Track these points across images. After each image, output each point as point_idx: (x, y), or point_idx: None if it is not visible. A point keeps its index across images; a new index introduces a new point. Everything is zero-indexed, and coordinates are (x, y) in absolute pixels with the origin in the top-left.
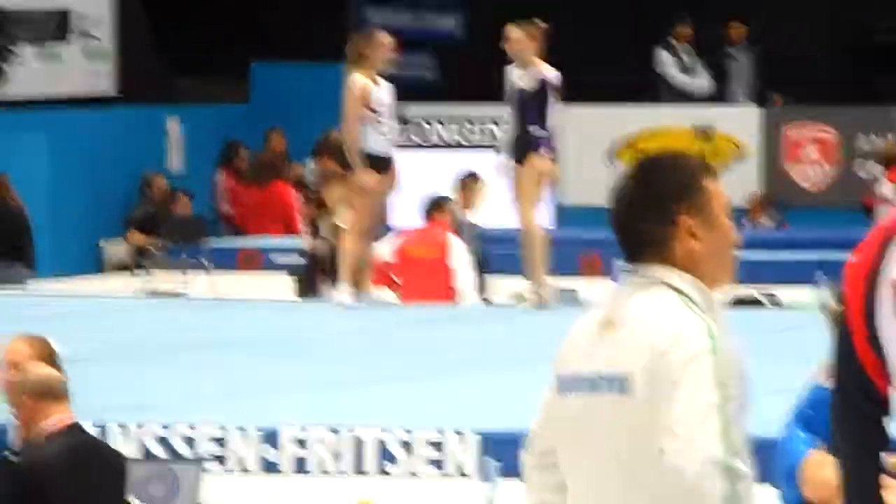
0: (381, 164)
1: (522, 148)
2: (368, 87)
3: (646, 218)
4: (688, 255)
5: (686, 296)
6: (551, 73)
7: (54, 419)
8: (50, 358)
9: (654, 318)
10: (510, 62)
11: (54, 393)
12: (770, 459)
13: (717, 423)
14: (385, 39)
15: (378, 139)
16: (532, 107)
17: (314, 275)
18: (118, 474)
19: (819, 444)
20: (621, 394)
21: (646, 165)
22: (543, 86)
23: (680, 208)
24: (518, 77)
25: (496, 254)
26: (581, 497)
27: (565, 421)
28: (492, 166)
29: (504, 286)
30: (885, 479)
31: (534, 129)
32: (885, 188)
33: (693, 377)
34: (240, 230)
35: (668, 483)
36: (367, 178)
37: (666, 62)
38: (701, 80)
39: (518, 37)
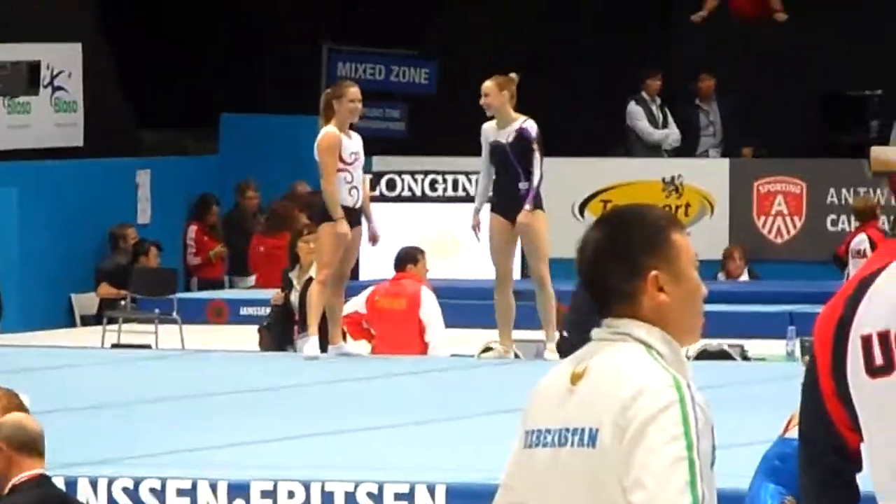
0: (350, 216)
1: (514, 205)
2: (339, 138)
3: (613, 272)
4: (656, 308)
5: (653, 349)
6: (530, 125)
7: (27, 471)
8: (19, 411)
9: (621, 371)
10: (481, 115)
11: (34, 445)
12: None
13: (685, 476)
14: (351, 92)
15: (346, 191)
16: (517, 161)
17: (284, 327)
18: None
19: (787, 497)
20: (589, 447)
21: (612, 218)
22: (525, 139)
23: (648, 262)
24: (497, 133)
25: (470, 306)
26: None
27: (533, 474)
28: (465, 220)
29: (475, 338)
30: None
31: (523, 185)
32: (856, 241)
33: (660, 431)
34: (208, 283)
35: None
36: (333, 229)
37: (636, 115)
38: (671, 133)
39: (495, 92)
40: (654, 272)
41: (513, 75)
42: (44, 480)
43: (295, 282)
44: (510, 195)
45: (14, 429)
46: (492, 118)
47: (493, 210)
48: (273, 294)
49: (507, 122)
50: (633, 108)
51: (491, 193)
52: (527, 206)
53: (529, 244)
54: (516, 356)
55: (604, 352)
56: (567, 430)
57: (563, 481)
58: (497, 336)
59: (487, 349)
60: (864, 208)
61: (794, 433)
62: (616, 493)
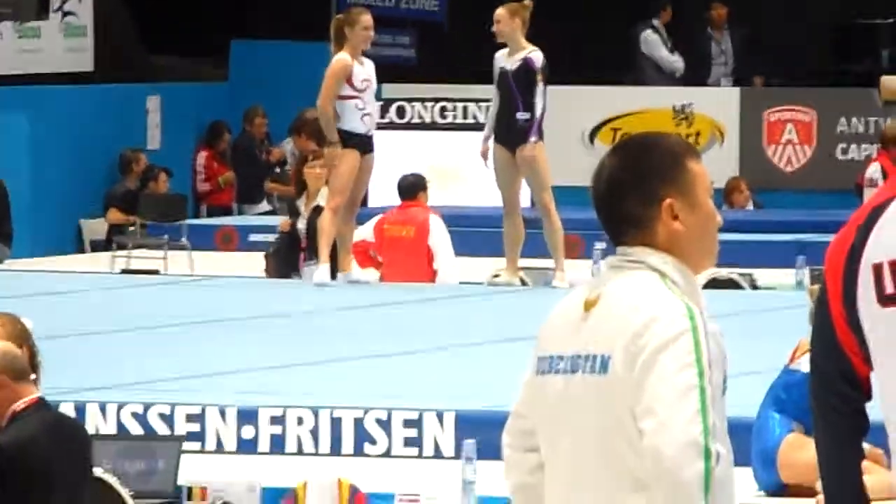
0: (361, 143)
1: (513, 135)
2: (350, 65)
3: (628, 199)
4: (670, 236)
5: (667, 277)
6: (536, 56)
7: (26, 397)
8: (21, 336)
9: (634, 299)
10: (491, 43)
11: (28, 372)
12: (747, 441)
13: (696, 405)
14: (364, 19)
15: (358, 118)
16: (518, 90)
17: (290, 254)
18: (85, 447)
19: (794, 427)
20: (601, 374)
21: (628, 146)
22: (529, 69)
23: (663, 189)
24: (505, 60)
25: (479, 233)
26: (560, 477)
27: (545, 401)
28: (473, 147)
29: (483, 266)
30: (865, 463)
31: (521, 115)
32: (871, 170)
33: (672, 358)
34: (217, 210)
35: (647, 463)
36: (347, 156)
37: (655, 44)
38: (679, 60)
39: (506, 19)
40: (668, 200)
41: (526, 2)
42: (42, 404)
43: (302, 209)
44: (509, 124)
45: (9, 359)
46: (504, 46)
47: (495, 140)
48: (280, 221)
49: (515, 50)
50: (652, 37)
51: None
52: (532, 139)
53: (530, 176)
54: (523, 283)
55: (617, 279)
56: (579, 356)
57: (575, 407)
58: (520, 263)
59: (496, 276)
60: (889, 135)
61: (798, 363)
62: (627, 420)
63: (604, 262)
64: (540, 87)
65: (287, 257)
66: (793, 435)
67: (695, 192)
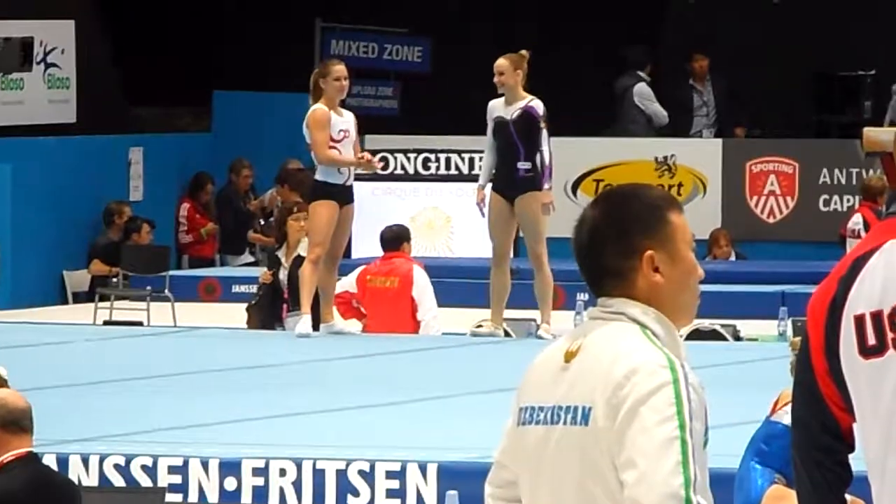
0: (339, 194)
1: (513, 184)
2: (327, 115)
3: (608, 250)
4: (650, 288)
5: (648, 329)
6: (537, 104)
7: (14, 450)
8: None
9: (614, 350)
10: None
11: (20, 423)
12: (728, 492)
13: (677, 457)
14: (336, 69)
15: (335, 169)
16: (519, 139)
17: (273, 305)
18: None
19: (776, 478)
20: (582, 425)
21: (610, 197)
22: (531, 117)
23: (643, 241)
24: (503, 110)
25: (462, 284)
26: None
27: (526, 452)
28: (457, 198)
29: (467, 317)
30: None
31: (522, 165)
32: (853, 221)
33: (653, 410)
34: (199, 261)
35: None
36: (324, 207)
37: (648, 96)
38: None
39: (510, 70)
40: (649, 252)
41: (524, 52)
42: (31, 458)
43: (283, 260)
44: (509, 173)
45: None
46: (499, 95)
47: (493, 189)
48: (261, 273)
49: (514, 100)
50: (644, 90)
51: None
52: (546, 185)
53: (528, 225)
54: (506, 334)
55: (598, 330)
56: (560, 407)
57: (556, 459)
58: (489, 315)
59: (478, 326)
60: (872, 187)
61: (779, 415)
62: (608, 472)
63: (587, 312)
64: (545, 133)
65: (269, 308)
66: (774, 487)
67: (675, 245)
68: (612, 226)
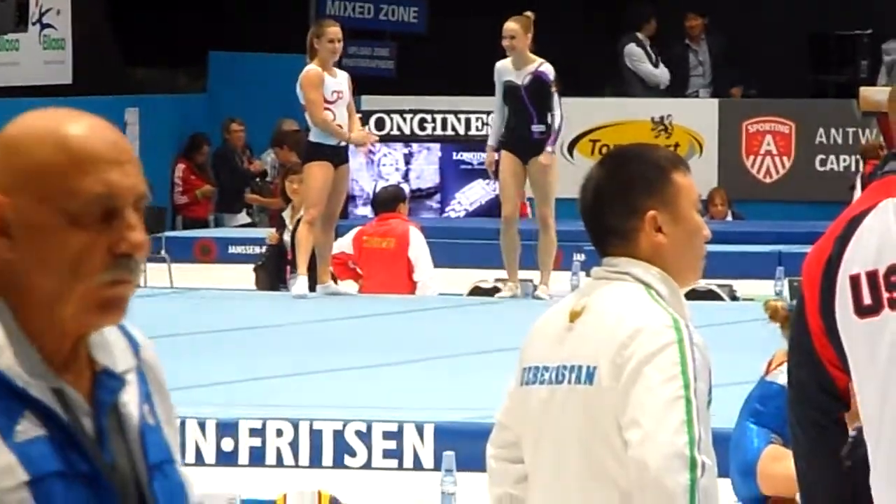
0: (333, 154)
1: (526, 146)
2: (320, 76)
3: (612, 210)
4: (654, 248)
5: (652, 288)
6: (548, 68)
7: None
8: None
9: (619, 310)
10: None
11: None
12: (726, 452)
13: (681, 416)
14: (330, 31)
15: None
16: (531, 104)
17: (277, 266)
18: None
19: (773, 438)
20: (586, 384)
21: (614, 157)
22: (542, 82)
23: (646, 202)
24: (513, 73)
25: (458, 245)
26: (544, 488)
27: (530, 412)
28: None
29: (463, 277)
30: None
31: (536, 128)
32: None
33: (658, 370)
34: (193, 222)
35: (632, 474)
36: (316, 168)
37: (638, 57)
38: (664, 73)
39: (521, 34)
40: (652, 212)
41: (529, 14)
42: None
43: (287, 221)
44: (522, 136)
45: None
46: (501, 57)
47: (504, 148)
48: (267, 233)
49: (524, 63)
50: (634, 50)
51: (503, 131)
52: (548, 149)
53: (540, 187)
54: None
55: (602, 290)
56: (565, 367)
57: (560, 418)
58: (498, 274)
59: (495, 289)
60: (864, 148)
61: (774, 375)
62: (612, 431)
63: (591, 272)
64: (556, 98)
65: (275, 270)
66: (771, 447)
67: (679, 205)
68: (615, 186)
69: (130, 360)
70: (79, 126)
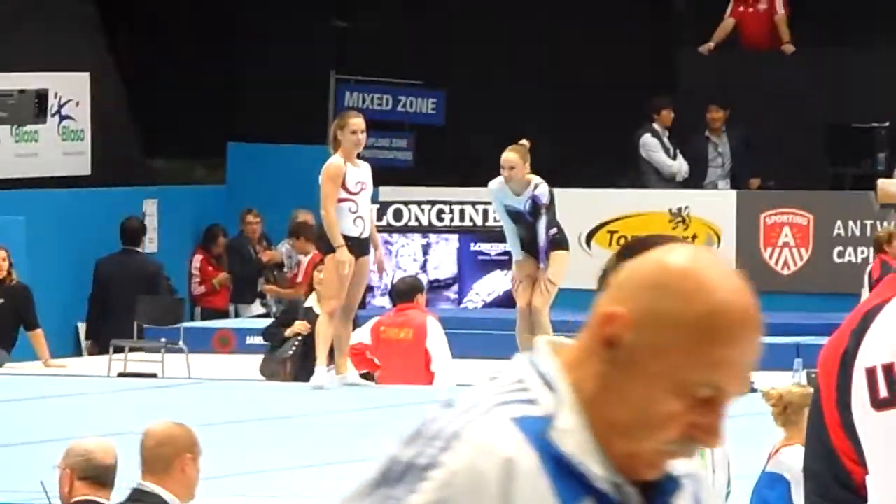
0: (354, 246)
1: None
2: (342, 168)
3: None
4: None
5: None
6: (541, 191)
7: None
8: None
9: None
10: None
11: (100, 480)
12: None
13: None
14: (353, 122)
15: (351, 221)
16: (536, 223)
17: (305, 357)
18: None
19: None
20: None
21: (629, 247)
22: (535, 205)
23: None
24: (513, 198)
25: (476, 336)
26: None
27: None
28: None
29: (480, 368)
30: None
31: (542, 240)
32: (868, 273)
33: None
34: (212, 313)
35: None
36: (339, 257)
37: (652, 147)
38: (683, 164)
39: (520, 164)
40: None
41: (525, 142)
42: None
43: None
44: (535, 243)
45: (78, 458)
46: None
47: (523, 255)
48: (298, 325)
49: (523, 188)
50: (649, 140)
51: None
52: (541, 266)
53: (541, 279)
54: None
55: None
56: None
57: None
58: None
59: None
60: (878, 238)
61: (771, 464)
62: None
63: None
64: (544, 219)
65: (301, 360)
66: None
67: None
68: None
69: (686, 466)
70: (736, 290)
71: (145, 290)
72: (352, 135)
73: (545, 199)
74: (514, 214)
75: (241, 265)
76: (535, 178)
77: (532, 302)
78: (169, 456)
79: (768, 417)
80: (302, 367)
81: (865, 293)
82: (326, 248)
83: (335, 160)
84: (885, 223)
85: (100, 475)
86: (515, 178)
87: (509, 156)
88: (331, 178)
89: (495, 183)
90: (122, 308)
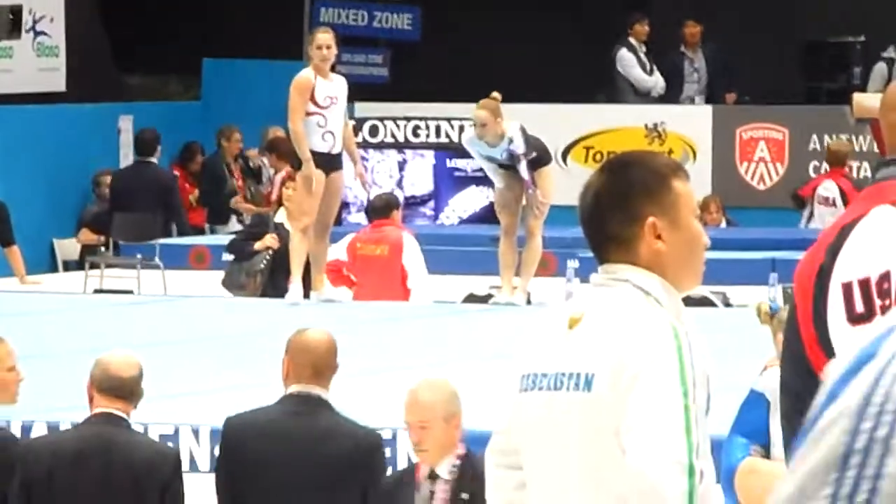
0: (324, 161)
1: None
2: (311, 82)
3: (612, 216)
4: (653, 255)
5: (651, 295)
6: (517, 143)
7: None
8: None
9: (618, 317)
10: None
11: (117, 392)
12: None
13: (680, 424)
14: (319, 38)
15: (319, 136)
16: (519, 166)
17: (274, 273)
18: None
19: (753, 447)
20: (585, 391)
21: (615, 164)
22: (513, 156)
23: (646, 208)
24: (488, 149)
25: (452, 252)
26: (543, 495)
27: (528, 419)
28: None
29: (457, 284)
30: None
31: (525, 175)
32: (824, 188)
33: (657, 377)
34: (189, 229)
35: (631, 482)
36: (305, 171)
37: (629, 62)
38: (658, 80)
39: (492, 121)
40: (651, 219)
41: (496, 95)
42: (99, 418)
43: (290, 228)
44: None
45: (97, 371)
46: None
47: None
48: (268, 238)
49: (498, 140)
50: (625, 55)
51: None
52: (529, 191)
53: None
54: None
55: (601, 297)
56: (563, 374)
57: (558, 425)
58: (493, 281)
59: (490, 296)
60: (838, 152)
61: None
62: (610, 438)
63: (590, 278)
64: (524, 163)
65: (270, 276)
66: (748, 459)
67: (678, 212)
68: (615, 193)
69: None
70: None
71: (160, 202)
72: (318, 50)
73: (521, 150)
74: (491, 160)
75: (216, 184)
76: (510, 130)
77: (526, 223)
78: None
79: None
80: (270, 282)
81: (820, 209)
82: (298, 164)
83: (304, 73)
84: (861, 137)
85: (115, 387)
86: (489, 133)
87: (479, 113)
88: (297, 90)
89: (468, 134)
90: (136, 221)
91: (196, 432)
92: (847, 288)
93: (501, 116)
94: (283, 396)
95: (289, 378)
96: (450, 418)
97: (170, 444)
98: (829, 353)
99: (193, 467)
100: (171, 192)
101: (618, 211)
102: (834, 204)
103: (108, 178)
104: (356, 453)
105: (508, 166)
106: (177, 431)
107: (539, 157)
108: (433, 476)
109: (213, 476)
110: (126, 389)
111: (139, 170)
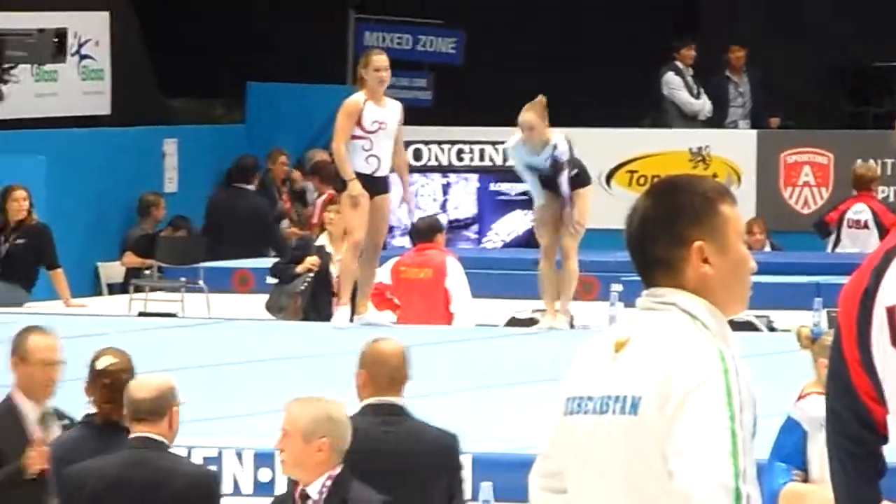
0: (368, 184)
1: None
2: (360, 105)
3: (658, 240)
4: (700, 279)
5: (698, 319)
6: (561, 149)
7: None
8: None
9: (665, 341)
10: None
11: (136, 416)
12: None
13: (727, 447)
14: (375, 60)
15: (363, 158)
16: (560, 177)
17: (321, 296)
18: None
19: (794, 472)
20: (631, 415)
21: (661, 187)
22: (557, 163)
23: (693, 232)
24: (532, 157)
25: (495, 276)
26: None
27: (573, 442)
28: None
29: (500, 308)
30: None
31: (565, 191)
32: (854, 212)
33: (704, 401)
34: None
35: None
36: (350, 191)
37: (675, 85)
38: (706, 103)
39: (540, 124)
40: (698, 242)
41: (542, 98)
42: (136, 442)
43: (333, 252)
44: (557, 190)
45: (125, 396)
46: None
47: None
48: (310, 261)
49: (542, 147)
50: (672, 78)
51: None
52: (566, 210)
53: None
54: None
55: (648, 320)
56: (609, 397)
57: (604, 448)
58: (536, 305)
59: (532, 320)
60: (864, 176)
61: (792, 409)
62: (656, 462)
63: (637, 302)
64: (565, 174)
65: (311, 299)
66: (790, 485)
67: (725, 236)
68: (662, 216)
69: None
70: None
71: (256, 228)
72: (375, 72)
73: (565, 157)
74: (534, 170)
75: (270, 206)
76: (555, 136)
77: (562, 244)
78: None
79: (787, 357)
80: (311, 304)
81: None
82: (341, 187)
83: (354, 96)
84: (859, 162)
85: (132, 410)
86: (535, 139)
87: (527, 116)
88: (344, 113)
89: (512, 141)
90: (232, 245)
91: (239, 455)
92: (891, 312)
93: (547, 122)
94: (363, 407)
95: (365, 389)
96: (310, 438)
97: (213, 467)
98: (873, 376)
99: (237, 491)
100: (268, 219)
101: (664, 235)
102: (866, 226)
103: (160, 201)
104: (441, 453)
105: (549, 182)
106: (220, 454)
107: (579, 176)
108: (304, 496)
109: (256, 500)
110: (142, 411)
111: (235, 196)
